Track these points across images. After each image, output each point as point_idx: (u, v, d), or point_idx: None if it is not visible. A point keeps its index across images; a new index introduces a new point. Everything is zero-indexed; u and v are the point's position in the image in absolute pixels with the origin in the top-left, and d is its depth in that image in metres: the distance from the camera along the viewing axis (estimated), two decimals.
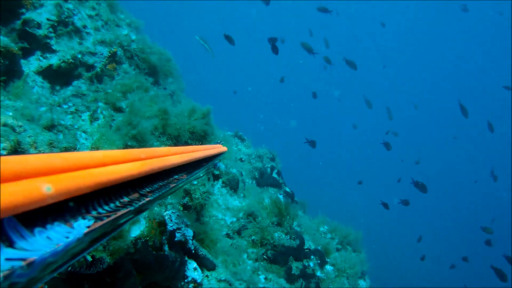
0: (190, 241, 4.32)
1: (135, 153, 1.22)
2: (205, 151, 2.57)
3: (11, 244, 0.63)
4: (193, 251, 4.28)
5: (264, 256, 5.11)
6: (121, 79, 5.69)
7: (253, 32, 58.77)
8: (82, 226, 0.79)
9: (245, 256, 4.90)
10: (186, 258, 4.14)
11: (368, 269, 8.15)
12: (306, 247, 5.85)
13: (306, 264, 5.65)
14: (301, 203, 8.79)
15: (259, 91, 59.67)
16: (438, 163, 53.90)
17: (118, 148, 4.81)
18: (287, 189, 7.94)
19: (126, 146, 4.88)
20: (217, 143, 4.48)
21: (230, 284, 4.29)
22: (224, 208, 5.38)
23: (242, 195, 5.83)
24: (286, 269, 5.23)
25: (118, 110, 5.42)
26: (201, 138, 5.62)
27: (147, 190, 1.30)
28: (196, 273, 3.89)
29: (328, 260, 6.23)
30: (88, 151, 0.93)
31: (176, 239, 4.05)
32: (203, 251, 4.33)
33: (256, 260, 4.98)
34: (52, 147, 4.06)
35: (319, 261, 5.89)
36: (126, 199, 1.11)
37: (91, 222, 0.83)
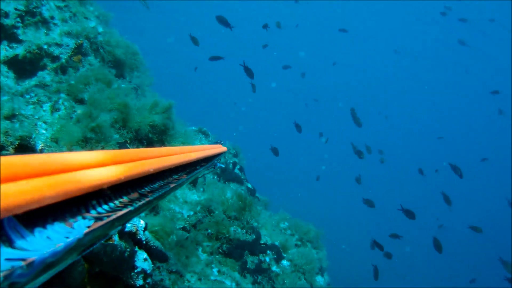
0: (142, 232, 4.35)
1: (135, 153, 1.23)
2: (205, 151, 2.60)
3: (11, 244, 0.64)
4: (144, 242, 4.33)
5: (220, 250, 5.15)
6: (85, 71, 5.72)
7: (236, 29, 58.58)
8: (82, 226, 0.81)
9: (200, 249, 4.95)
10: (137, 249, 4.20)
11: (328, 266, 8.27)
12: (262, 242, 5.91)
13: (262, 259, 5.71)
14: (263, 200, 8.86)
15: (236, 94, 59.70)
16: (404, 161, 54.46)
17: (78, 140, 4.85)
18: (249, 185, 8.00)
19: (85, 139, 4.90)
20: (217, 143, 4.53)
21: (181, 276, 4.34)
22: (182, 201, 5.41)
23: (201, 189, 5.87)
24: (241, 263, 5.29)
25: (80, 101, 5.43)
26: (161, 132, 5.65)
27: (147, 190, 1.32)
28: (146, 264, 3.92)
29: (285, 255, 6.30)
30: (88, 151, 0.93)
31: (126, 229, 4.10)
32: (155, 243, 4.36)
33: (211, 253, 5.03)
34: (7, 135, 4.09)
35: (275, 256, 5.96)
36: (126, 199, 1.12)
37: (91, 222, 0.84)
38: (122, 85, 6.26)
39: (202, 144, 7.57)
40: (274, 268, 5.83)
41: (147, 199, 1.15)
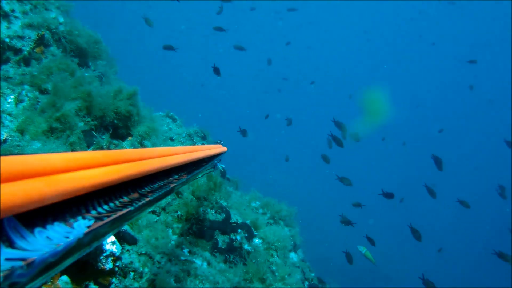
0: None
1: (135, 153, 1.22)
2: (205, 151, 2.61)
3: (11, 244, 0.64)
4: None
5: (190, 231, 5.19)
6: (48, 62, 5.69)
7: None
8: (82, 226, 0.81)
9: (170, 231, 4.97)
10: None
11: (301, 243, 8.37)
12: (233, 221, 5.94)
13: (233, 238, 5.74)
14: (234, 181, 8.88)
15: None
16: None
17: (43, 130, 4.84)
18: (220, 166, 8.05)
19: (51, 129, 4.90)
20: (217, 142, 4.53)
21: (150, 257, 4.37)
22: None
23: None
24: (212, 243, 5.34)
25: (44, 92, 5.39)
26: (126, 119, 5.66)
27: (147, 190, 1.32)
28: (114, 247, 3.95)
29: (257, 233, 6.35)
30: (88, 151, 0.93)
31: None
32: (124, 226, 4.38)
33: (181, 235, 5.08)
34: None
35: (246, 235, 5.99)
36: (126, 199, 1.12)
37: (91, 222, 0.84)
38: (86, 74, 6.22)
39: (170, 128, 7.59)
40: (245, 246, 5.87)
41: (147, 199, 1.16)
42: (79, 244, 0.76)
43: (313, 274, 7.91)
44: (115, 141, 5.43)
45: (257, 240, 6.33)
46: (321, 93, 63.86)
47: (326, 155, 12.16)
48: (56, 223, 0.78)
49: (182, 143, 7.30)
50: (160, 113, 8.13)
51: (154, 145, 5.92)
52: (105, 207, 0.98)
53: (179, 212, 5.20)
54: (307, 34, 64.05)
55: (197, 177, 2.55)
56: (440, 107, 61.84)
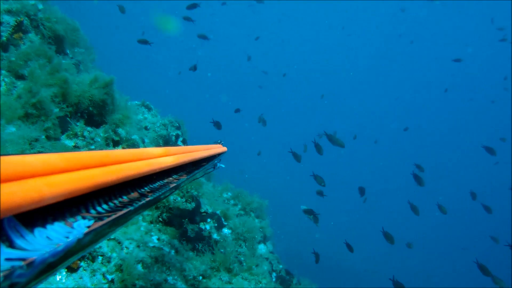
0: None
1: (135, 153, 1.21)
2: (205, 151, 2.60)
3: (11, 244, 0.64)
4: None
5: (160, 219, 5.23)
6: (26, 48, 5.70)
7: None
8: (82, 226, 0.80)
9: (140, 218, 5.03)
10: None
11: (271, 235, 8.49)
12: (203, 211, 6.00)
13: (203, 227, 5.78)
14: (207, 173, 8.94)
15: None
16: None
17: (19, 115, 4.87)
18: None
19: (26, 114, 4.93)
20: (217, 142, 4.45)
21: (119, 243, 4.42)
22: None
23: None
24: (181, 231, 5.40)
25: (21, 77, 5.41)
26: (100, 107, 5.71)
27: (147, 189, 1.31)
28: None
29: (226, 224, 6.42)
30: (88, 151, 0.92)
31: None
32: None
33: (151, 222, 5.12)
34: None
35: (216, 225, 6.02)
36: (126, 199, 1.12)
37: (91, 222, 0.84)
38: (63, 61, 6.23)
39: (145, 117, 7.62)
40: (214, 236, 5.91)
41: (147, 199, 1.16)
42: (79, 244, 0.76)
43: (281, 266, 7.99)
44: (89, 128, 5.47)
45: (226, 230, 6.39)
46: (297, 89, 63.77)
47: (297, 153, 12.20)
48: (56, 223, 0.78)
49: (156, 132, 7.34)
50: (136, 102, 8.16)
51: (128, 134, 5.95)
52: (105, 207, 0.98)
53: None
54: (284, 29, 63.95)
55: (197, 177, 2.55)
56: (416, 105, 62.18)
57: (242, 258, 6.26)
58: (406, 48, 58.56)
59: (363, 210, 37.27)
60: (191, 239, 5.53)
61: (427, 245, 38.80)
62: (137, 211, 1.07)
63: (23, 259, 0.60)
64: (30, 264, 0.60)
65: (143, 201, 1.12)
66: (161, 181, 1.51)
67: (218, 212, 6.40)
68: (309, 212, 10.26)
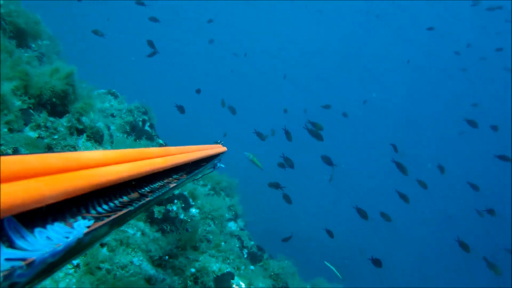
0: None
1: (135, 153, 1.21)
2: (205, 151, 2.59)
3: (11, 244, 0.64)
4: None
5: None
6: None
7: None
8: (82, 226, 0.81)
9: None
10: None
11: (243, 213, 8.64)
12: None
13: (170, 208, 5.82)
14: None
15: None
16: None
17: None
18: (160, 141, 8.13)
19: None
20: (217, 143, 4.43)
21: None
22: None
23: (109, 147, 5.97)
24: (148, 213, 5.47)
25: None
26: (62, 97, 5.75)
27: (147, 190, 1.32)
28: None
29: (194, 204, 6.52)
30: (88, 151, 0.93)
31: None
32: None
33: None
34: None
35: (183, 205, 6.02)
36: (126, 199, 1.12)
37: (91, 222, 0.84)
38: (26, 54, 6.24)
39: (111, 105, 7.66)
40: (182, 216, 5.89)
41: (147, 199, 1.17)
42: (79, 244, 0.77)
43: (252, 242, 8.06)
44: (51, 118, 5.53)
45: (194, 210, 6.42)
46: (266, 71, 63.37)
47: (262, 133, 12.27)
48: (56, 223, 0.79)
49: (123, 119, 7.37)
50: (102, 90, 8.18)
51: (92, 121, 6.00)
52: (105, 207, 0.99)
53: None
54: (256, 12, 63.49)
55: (196, 177, 2.56)
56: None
57: (211, 236, 6.35)
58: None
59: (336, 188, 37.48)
60: (158, 221, 5.60)
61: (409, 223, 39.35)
62: (137, 211, 1.08)
63: (23, 259, 0.61)
64: (30, 264, 0.61)
65: (143, 201, 1.13)
66: (161, 181, 1.53)
67: (185, 193, 6.47)
68: (274, 185, 10.39)
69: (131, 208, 1.02)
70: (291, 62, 63.97)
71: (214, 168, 3.98)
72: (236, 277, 5.67)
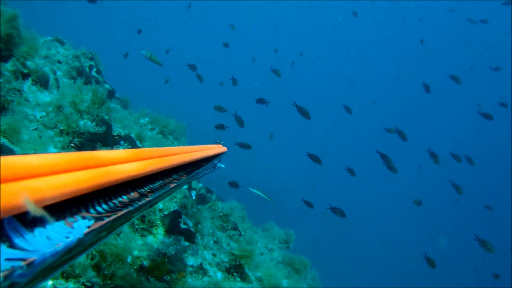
0: None
1: (136, 153, 1.22)
2: (205, 151, 2.59)
3: (11, 244, 0.64)
4: None
5: (72, 144, 5.28)
6: None
7: None
8: (82, 226, 0.81)
9: (51, 145, 5.09)
10: None
11: None
12: (116, 134, 6.05)
13: (116, 148, 5.94)
14: (123, 99, 8.97)
15: None
16: None
17: None
18: (107, 86, 8.14)
19: None
20: (217, 143, 4.39)
21: None
22: (34, 104, 5.50)
23: (55, 92, 5.96)
24: None
25: None
26: (6, 42, 5.70)
27: (147, 189, 1.32)
28: None
29: (141, 145, 6.48)
30: (87, 151, 0.93)
31: None
32: (1, 140, 4.49)
33: (63, 148, 5.20)
34: None
35: (130, 147, 6.07)
36: (126, 199, 1.12)
37: (91, 222, 0.84)
38: None
39: (58, 51, 7.58)
40: None
41: (147, 199, 1.17)
42: (79, 244, 0.77)
43: (201, 185, 8.22)
44: None
45: None
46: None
47: (221, 106, 12.37)
48: (56, 223, 0.79)
49: (69, 64, 7.31)
50: (49, 37, 8.09)
51: (37, 66, 5.97)
52: (105, 207, 0.99)
53: (60, 127, 5.29)
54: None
55: (196, 177, 2.60)
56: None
57: None
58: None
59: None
60: None
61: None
62: (137, 211, 1.08)
63: (23, 259, 0.61)
64: (30, 264, 0.61)
65: (143, 201, 1.14)
66: (161, 181, 1.53)
67: (132, 135, 6.52)
68: (220, 127, 10.55)
69: (131, 208, 1.03)
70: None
71: (214, 168, 3.98)
72: (183, 216, 5.80)
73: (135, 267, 4.45)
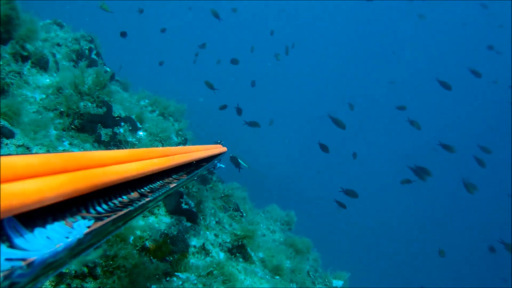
0: None
1: (136, 153, 1.22)
2: (205, 151, 2.59)
3: (11, 244, 0.65)
4: None
5: (72, 126, 5.24)
6: None
7: None
8: (82, 226, 0.81)
9: (51, 127, 5.07)
10: None
11: (193, 138, 8.71)
12: (116, 115, 6.03)
13: (117, 131, 5.81)
14: (123, 82, 8.97)
15: None
16: None
17: None
18: (107, 69, 8.10)
19: None
20: (217, 143, 4.45)
21: (27, 148, 4.50)
22: (34, 87, 5.48)
23: (54, 74, 5.94)
24: (95, 136, 5.47)
25: None
26: (6, 23, 5.66)
27: (147, 189, 1.32)
28: None
29: (141, 126, 6.55)
30: (88, 151, 0.94)
31: None
32: (2, 122, 4.50)
33: (63, 129, 5.16)
34: None
35: (130, 128, 6.03)
36: (126, 199, 1.13)
37: (91, 222, 0.85)
38: None
39: (57, 34, 7.53)
40: (129, 138, 5.92)
41: (147, 199, 1.17)
42: (79, 244, 0.78)
43: None
44: None
45: (141, 132, 6.49)
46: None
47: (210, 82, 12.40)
48: (56, 223, 0.79)
49: (68, 47, 7.27)
50: (48, 20, 8.04)
51: (37, 49, 5.95)
52: (105, 207, 0.99)
53: (61, 108, 5.28)
54: None
55: (196, 177, 2.61)
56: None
57: None
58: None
59: None
60: (105, 143, 5.62)
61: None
62: (137, 211, 1.08)
63: (23, 259, 0.61)
64: (30, 264, 0.62)
65: (143, 201, 1.14)
66: (161, 181, 1.53)
67: (133, 116, 6.50)
68: (253, 124, 10.60)
69: (131, 208, 1.03)
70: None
71: (214, 168, 4.12)
72: (185, 196, 5.79)
73: (138, 248, 4.44)
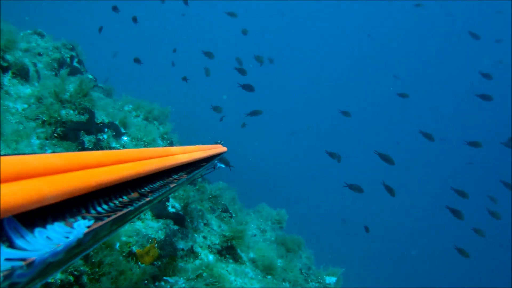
0: None
1: (136, 153, 1.22)
2: (205, 151, 2.58)
3: (11, 244, 0.65)
4: None
5: (54, 134, 5.20)
6: None
7: None
8: (82, 226, 0.81)
9: (34, 136, 5.03)
10: None
11: (181, 140, 8.69)
12: (99, 122, 6.01)
13: (100, 137, 5.83)
14: (106, 88, 8.95)
15: None
16: None
17: None
18: (89, 76, 8.08)
19: None
20: (217, 143, 4.42)
21: None
22: (16, 97, 5.45)
23: (36, 84, 5.92)
24: (78, 143, 5.45)
25: None
26: None
27: (147, 189, 1.31)
28: None
29: (125, 131, 6.43)
30: (88, 151, 0.94)
31: None
32: None
33: (46, 138, 5.13)
34: None
35: (114, 133, 6.03)
36: (126, 199, 1.12)
37: (91, 222, 0.84)
38: None
39: (38, 44, 7.51)
40: (113, 144, 5.86)
41: (147, 199, 1.17)
42: (79, 244, 0.78)
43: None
44: None
45: (125, 137, 6.45)
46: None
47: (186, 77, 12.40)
48: (56, 223, 0.79)
49: (49, 56, 7.26)
50: (28, 31, 8.03)
51: (17, 59, 5.93)
52: (105, 207, 0.99)
53: (42, 118, 5.26)
54: None
55: (196, 177, 2.53)
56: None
57: None
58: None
59: None
60: (89, 150, 5.55)
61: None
62: (137, 211, 1.08)
63: (23, 259, 0.61)
64: (30, 264, 0.62)
65: (143, 201, 1.13)
66: (161, 181, 1.52)
67: (116, 122, 6.47)
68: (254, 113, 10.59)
69: (131, 208, 1.02)
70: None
71: (214, 168, 4.01)
72: (171, 199, 5.79)
73: (124, 254, 4.43)
